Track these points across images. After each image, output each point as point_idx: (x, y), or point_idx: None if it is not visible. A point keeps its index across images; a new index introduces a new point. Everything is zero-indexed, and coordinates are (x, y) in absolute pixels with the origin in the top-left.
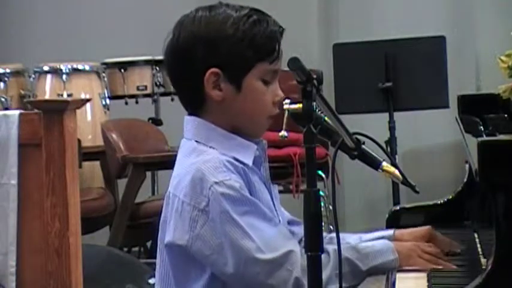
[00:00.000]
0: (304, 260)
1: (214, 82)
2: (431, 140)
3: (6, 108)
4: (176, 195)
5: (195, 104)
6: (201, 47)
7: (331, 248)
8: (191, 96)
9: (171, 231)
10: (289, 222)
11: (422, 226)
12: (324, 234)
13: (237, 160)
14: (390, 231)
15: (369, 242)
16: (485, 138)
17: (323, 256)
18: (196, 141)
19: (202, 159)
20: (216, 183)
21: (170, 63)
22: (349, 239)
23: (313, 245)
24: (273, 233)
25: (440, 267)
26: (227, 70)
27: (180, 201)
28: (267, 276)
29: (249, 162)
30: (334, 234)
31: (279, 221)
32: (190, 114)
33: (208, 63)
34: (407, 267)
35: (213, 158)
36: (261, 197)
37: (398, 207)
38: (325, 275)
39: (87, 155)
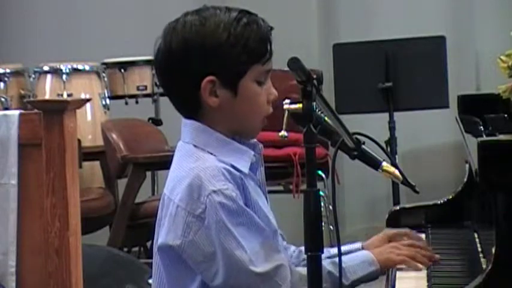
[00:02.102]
0: (293, 275)
1: (210, 89)
2: (431, 140)
3: (6, 108)
4: (171, 199)
5: (191, 110)
6: (196, 55)
7: (303, 271)
8: (186, 103)
9: (164, 234)
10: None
11: (421, 226)
12: (292, 247)
13: (234, 168)
14: (358, 244)
15: (350, 254)
16: (485, 138)
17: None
18: (194, 145)
19: (201, 165)
20: (214, 191)
21: (163, 71)
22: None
23: (313, 245)
24: (264, 246)
25: (422, 260)
26: (222, 76)
27: (174, 205)
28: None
29: (246, 169)
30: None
31: (275, 226)
32: (187, 117)
33: (203, 72)
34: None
35: (211, 166)
36: (256, 204)
37: (398, 207)
38: None
39: (87, 155)
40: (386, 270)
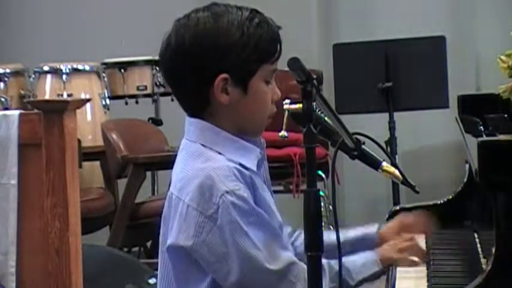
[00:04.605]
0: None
1: (222, 87)
2: (431, 140)
3: (6, 108)
4: (181, 199)
5: (199, 107)
6: (209, 52)
7: (325, 261)
8: (195, 100)
9: (174, 234)
10: None
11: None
12: (297, 232)
13: (242, 166)
14: (374, 229)
15: (354, 256)
16: (485, 138)
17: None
18: (202, 144)
19: (212, 165)
20: (227, 192)
21: (173, 68)
22: (333, 235)
23: (313, 245)
24: (274, 244)
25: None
26: (234, 74)
27: (185, 205)
28: (271, 286)
29: (254, 167)
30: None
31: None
32: (191, 115)
33: (216, 69)
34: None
35: (222, 166)
36: (264, 201)
37: (398, 207)
38: None
39: (87, 155)
40: (388, 268)
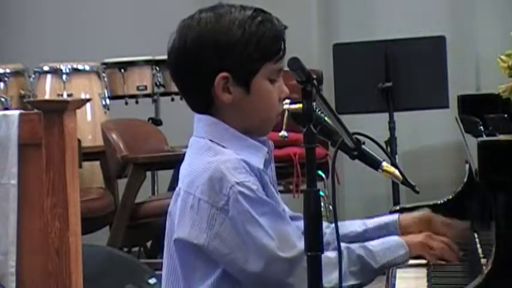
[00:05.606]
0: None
1: (223, 86)
2: (431, 140)
3: (6, 108)
4: (190, 193)
5: (204, 106)
6: (210, 51)
7: (343, 245)
8: (200, 99)
9: (186, 228)
10: (291, 218)
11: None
12: (325, 224)
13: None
14: (394, 217)
15: (380, 239)
16: (485, 138)
17: (335, 254)
18: (210, 140)
19: (221, 158)
20: (238, 183)
21: (177, 68)
22: (353, 226)
23: (313, 245)
24: (288, 232)
25: (451, 258)
26: (236, 73)
27: (196, 199)
28: (287, 274)
29: (261, 165)
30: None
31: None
32: (200, 112)
33: (217, 68)
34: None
35: (231, 159)
36: (274, 197)
37: (398, 207)
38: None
39: (87, 155)
40: (415, 258)
